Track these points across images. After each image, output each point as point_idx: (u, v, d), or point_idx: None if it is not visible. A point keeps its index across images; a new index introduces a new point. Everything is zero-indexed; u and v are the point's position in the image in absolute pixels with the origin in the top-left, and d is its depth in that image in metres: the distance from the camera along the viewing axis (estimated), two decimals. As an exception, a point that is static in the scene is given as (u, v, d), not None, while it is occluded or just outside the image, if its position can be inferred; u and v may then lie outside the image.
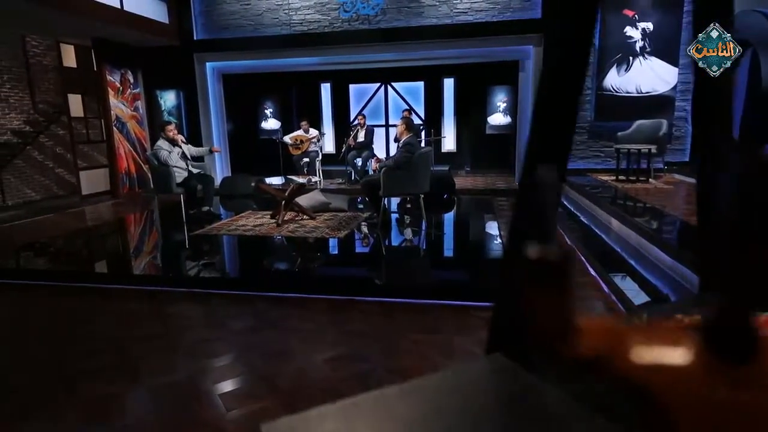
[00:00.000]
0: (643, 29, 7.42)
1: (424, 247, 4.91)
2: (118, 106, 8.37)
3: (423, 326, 2.92)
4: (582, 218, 5.59)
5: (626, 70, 7.54)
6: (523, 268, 0.41)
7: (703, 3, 0.79)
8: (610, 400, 0.38)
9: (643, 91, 7.52)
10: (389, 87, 10.02)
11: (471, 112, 9.66)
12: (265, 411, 2.08)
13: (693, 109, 7.41)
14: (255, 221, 5.59)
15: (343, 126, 10.03)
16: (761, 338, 0.36)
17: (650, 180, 6.60)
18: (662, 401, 0.35)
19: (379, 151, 9.24)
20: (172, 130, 5.89)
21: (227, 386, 2.30)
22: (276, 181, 6.29)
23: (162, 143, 5.82)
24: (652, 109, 7.38)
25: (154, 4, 8.04)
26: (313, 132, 8.60)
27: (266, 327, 2.96)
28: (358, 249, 4.85)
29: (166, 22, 8.30)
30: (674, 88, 7.44)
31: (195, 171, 6.07)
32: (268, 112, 10.09)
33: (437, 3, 7.86)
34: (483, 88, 9.41)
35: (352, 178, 8.44)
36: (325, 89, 10.18)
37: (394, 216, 6.07)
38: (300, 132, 8.53)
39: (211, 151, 6.59)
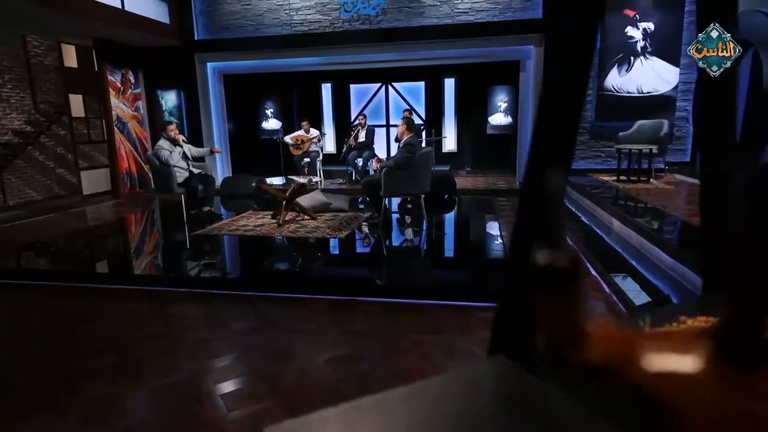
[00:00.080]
0: (644, 29, 7.41)
1: (425, 248, 4.90)
2: (119, 106, 8.37)
3: (424, 326, 2.92)
4: (583, 218, 5.58)
5: (627, 70, 7.54)
6: (532, 273, 0.41)
7: (706, 3, 0.79)
8: (619, 406, 0.37)
9: (644, 91, 7.51)
10: (390, 87, 10.02)
11: (472, 112, 9.66)
12: (266, 411, 2.08)
13: (694, 109, 7.41)
14: (256, 221, 5.59)
15: (343, 126, 10.03)
16: None
17: (651, 180, 6.59)
18: (672, 408, 0.35)
19: (380, 151, 9.24)
20: (173, 130, 5.89)
21: (228, 386, 2.29)
22: (277, 181, 6.30)
23: (163, 143, 5.82)
24: (653, 109, 7.37)
25: (155, 4, 8.04)
26: (314, 132, 8.60)
27: (267, 327, 2.96)
28: (359, 249, 4.84)
29: (167, 22, 8.30)
30: (675, 88, 7.43)
31: (196, 171, 6.07)
32: (268, 112, 10.10)
33: (438, 3, 7.86)
34: (484, 88, 9.41)
35: (353, 178, 8.44)
36: (326, 89, 10.18)
37: (394, 216, 6.07)
38: (301, 132, 8.53)
39: (212, 152, 6.59)
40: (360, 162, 8.33)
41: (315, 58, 8.48)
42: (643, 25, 7.41)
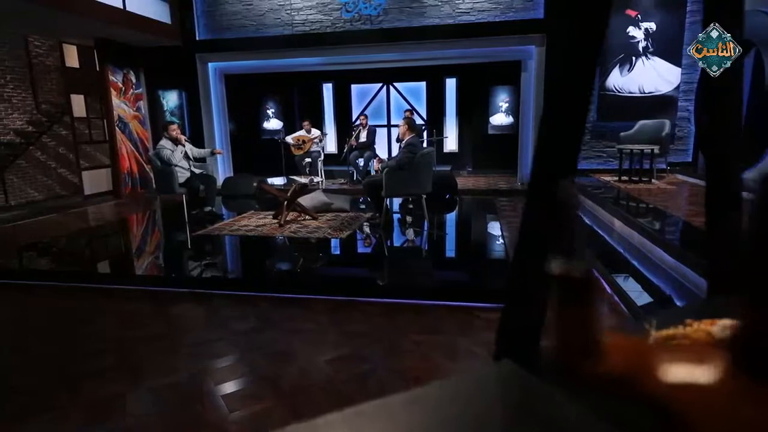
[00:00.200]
0: (646, 29, 7.40)
1: (426, 248, 4.90)
2: (120, 106, 8.38)
3: (425, 327, 2.91)
4: (584, 219, 5.58)
5: (629, 71, 7.52)
6: (548, 282, 0.40)
7: (712, 3, 0.78)
8: (635, 417, 0.37)
9: (646, 92, 7.50)
10: (391, 87, 10.02)
11: (473, 112, 9.65)
12: (268, 412, 2.07)
13: (696, 109, 7.39)
14: (257, 222, 5.59)
15: (345, 126, 10.03)
16: None
17: (653, 180, 6.58)
18: (687, 419, 0.34)
19: (381, 151, 9.24)
20: (175, 130, 5.90)
21: (229, 387, 2.29)
22: (278, 181, 6.31)
23: (165, 143, 5.82)
24: (654, 109, 7.36)
25: (157, 5, 8.04)
26: (315, 132, 8.60)
27: (268, 327, 2.95)
28: (361, 249, 4.84)
29: (169, 22, 8.31)
30: (677, 88, 7.42)
31: (197, 171, 6.07)
32: (270, 112, 10.10)
33: (439, 3, 7.86)
34: (485, 88, 9.40)
35: (354, 178, 8.43)
36: (327, 89, 10.18)
37: (396, 216, 6.06)
38: (302, 132, 8.52)
39: (212, 154, 6.60)
40: (361, 162, 8.33)
41: (316, 59, 8.47)
42: (644, 25, 7.40)
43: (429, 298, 3.30)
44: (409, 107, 9.76)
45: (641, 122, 7.03)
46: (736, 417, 0.33)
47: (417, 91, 9.98)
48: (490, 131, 9.51)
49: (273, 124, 10.08)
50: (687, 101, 7.49)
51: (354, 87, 10.11)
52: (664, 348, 0.43)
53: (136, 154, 8.71)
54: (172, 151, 5.78)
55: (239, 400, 2.18)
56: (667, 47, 7.35)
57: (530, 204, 0.55)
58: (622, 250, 4.24)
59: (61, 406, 2.18)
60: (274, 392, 2.23)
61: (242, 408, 2.11)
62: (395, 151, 8.25)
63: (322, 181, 8.30)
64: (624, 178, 6.69)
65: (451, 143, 9.93)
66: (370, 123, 8.72)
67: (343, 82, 10.02)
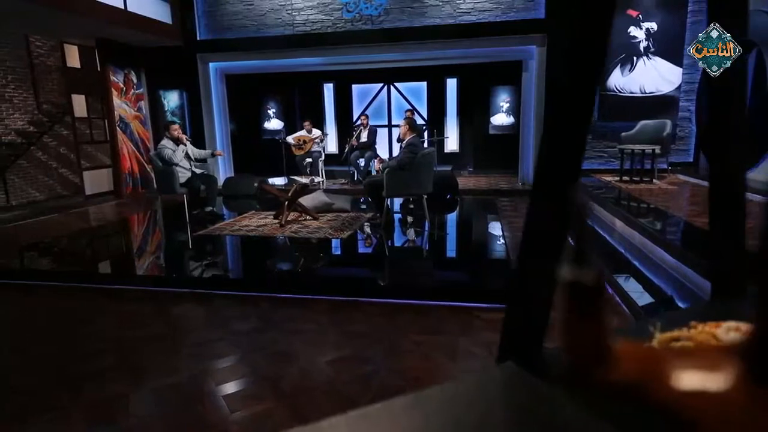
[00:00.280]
0: (647, 29, 7.40)
1: (427, 248, 4.89)
2: (121, 106, 8.38)
3: (425, 327, 2.91)
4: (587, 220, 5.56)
5: (630, 71, 7.52)
6: (557, 289, 0.40)
7: (716, 2, 0.78)
8: (647, 425, 0.36)
9: (647, 92, 7.49)
10: (392, 87, 10.02)
11: (474, 112, 9.65)
12: (269, 412, 2.07)
13: (697, 110, 7.38)
14: (258, 222, 5.59)
15: (346, 126, 10.03)
16: None
17: (654, 180, 6.57)
18: (700, 427, 0.34)
19: (382, 151, 9.24)
20: (176, 130, 5.91)
21: (231, 387, 2.29)
22: (279, 181, 6.31)
23: (166, 142, 5.83)
24: (656, 109, 7.36)
25: (158, 5, 8.05)
26: (316, 132, 8.60)
27: (269, 328, 2.95)
28: (361, 250, 4.84)
29: (170, 22, 8.31)
30: (678, 88, 7.41)
31: (198, 171, 6.08)
32: (271, 112, 10.10)
33: (440, 3, 7.85)
34: (486, 89, 9.39)
35: (355, 178, 8.43)
36: (328, 89, 10.18)
37: (397, 216, 6.06)
38: (303, 132, 8.52)
39: (213, 155, 6.60)
40: (362, 162, 8.33)
41: (317, 59, 8.47)
42: (645, 25, 7.39)
43: (430, 298, 3.30)
44: (410, 107, 9.76)
45: (642, 122, 7.03)
46: (750, 425, 0.33)
47: (418, 91, 9.98)
48: (491, 131, 9.51)
49: (274, 124, 10.08)
50: (688, 101, 7.49)
51: (355, 87, 10.11)
52: (677, 355, 0.43)
53: (137, 154, 8.71)
54: (174, 151, 5.78)
55: (240, 401, 2.18)
56: (668, 47, 7.34)
57: (534, 206, 0.55)
58: (623, 251, 4.23)
59: (62, 407, 2.18)
60: (275, 393, 2.23)
61: (243, 408, 2.11)
62: (396, 151, 8.24)
63: (322, 181, 8.30)
64: (625, 178, 6.68)
65: (451, 143, 9.93)
66: (371, 123, 8.72)
67: (344, 82, 10.02)
